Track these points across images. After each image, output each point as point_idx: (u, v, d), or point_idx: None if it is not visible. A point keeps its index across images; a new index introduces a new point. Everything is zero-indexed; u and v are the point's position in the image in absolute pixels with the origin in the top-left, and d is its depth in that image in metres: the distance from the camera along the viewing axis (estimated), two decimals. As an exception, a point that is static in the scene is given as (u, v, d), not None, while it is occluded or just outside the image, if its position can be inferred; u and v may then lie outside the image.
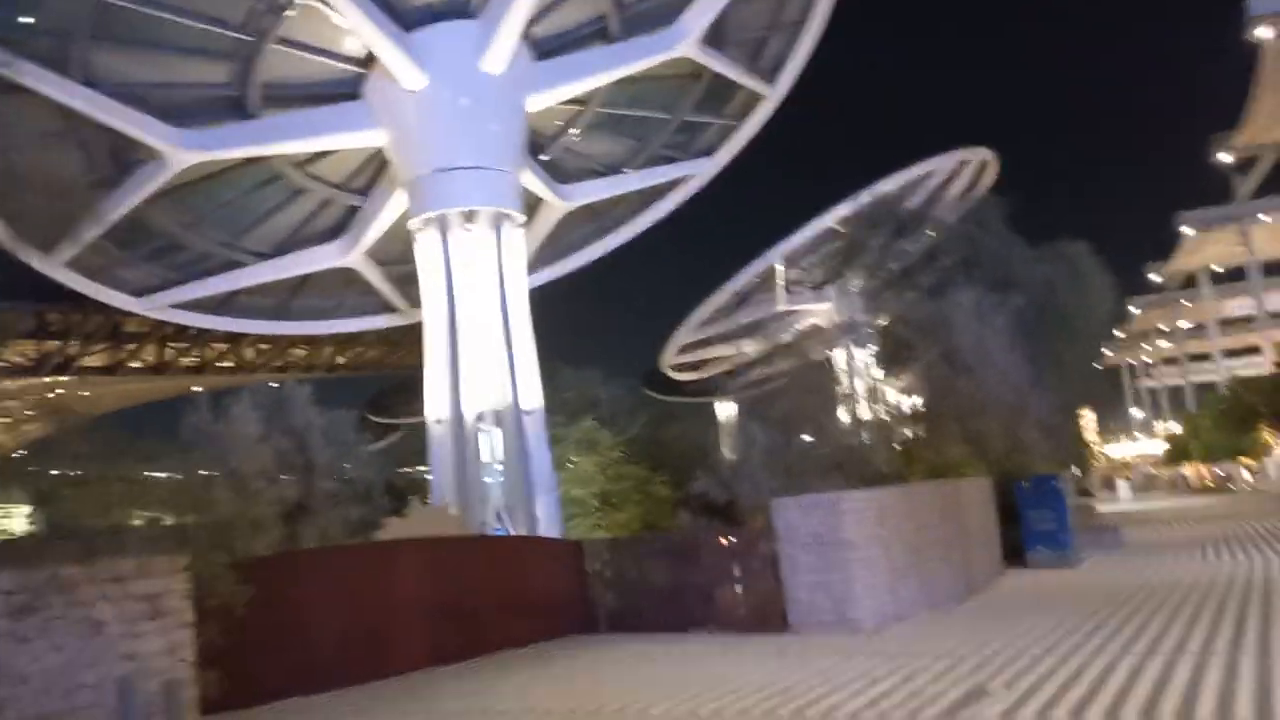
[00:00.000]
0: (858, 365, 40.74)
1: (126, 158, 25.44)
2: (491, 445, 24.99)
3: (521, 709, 10.86)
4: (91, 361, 49.76)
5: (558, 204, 31.15)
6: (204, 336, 50.72)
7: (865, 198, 38.68)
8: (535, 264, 32.49)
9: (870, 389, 37.49)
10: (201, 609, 10.45)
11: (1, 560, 6.75)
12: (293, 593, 12.92)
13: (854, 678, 10.84)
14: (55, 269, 26.78)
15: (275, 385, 33.56)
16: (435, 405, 25.18)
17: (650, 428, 34.41)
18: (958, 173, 48.25)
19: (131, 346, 49.23)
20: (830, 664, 11.79)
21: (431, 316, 25.56)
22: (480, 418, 24.78)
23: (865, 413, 33.29)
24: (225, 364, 51.38)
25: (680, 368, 58.37)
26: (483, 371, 24.81)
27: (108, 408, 62.69)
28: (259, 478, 25.49)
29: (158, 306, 29.65)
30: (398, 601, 13.85)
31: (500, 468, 24.90)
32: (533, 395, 25.48)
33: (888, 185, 39.94)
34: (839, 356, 44.97)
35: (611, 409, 33.40)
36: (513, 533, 23.84)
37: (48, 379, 52.21)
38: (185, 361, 51.26)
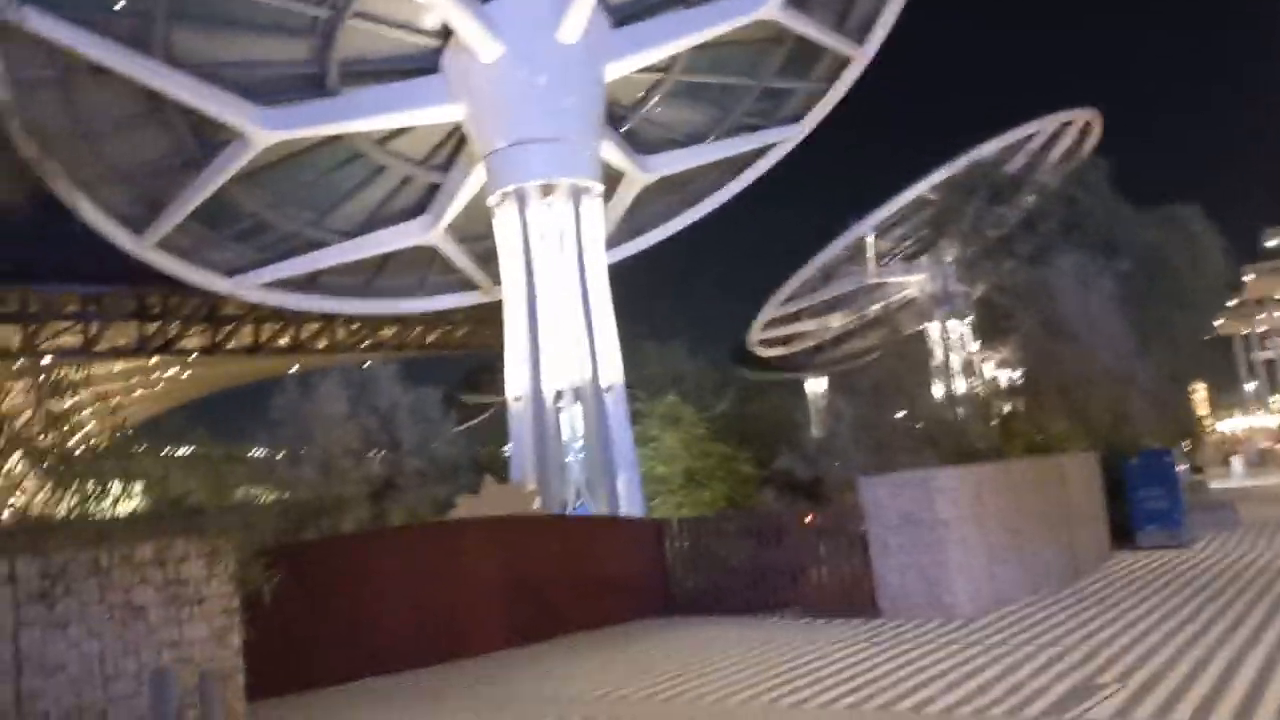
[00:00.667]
0: (952, 337, 39.41)
1: (210, 139, 25.64)
2: (572, 422, 24.61)
3: (597, 694, 10.38)
4: (190, 343, 51.07)
5: (638, 176, 30.51)
6: (297, 317, 51.59)
7: (962, 162, 37.21)
8: (616, 238, 31.95)
9: (965, 361, 36.13)
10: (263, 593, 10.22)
11: (34, 544, 6.52)
12: (366, 572, 12.67)
13: (949, 668, 10.08)
14: (146, 251, 27.22)
15: (364, 365, 33.94)
16: (515, 382, 24.89)
17: (736, 404, 33.66)
18: (1059, 135, 46.06)
19: (228, 328, 50.41)
20: (923, 652, 11.04)
21: (510, 292, 25.25)
22: (560, 394, 24.41)
23: (960, 386, 32.10)
24: (318, 344, 52.21)
25: (767, 343, 57.28)
26: (562, 348, 24.41)
27: (210, 388, 64.56)
28: (346, 456, 25.68)
29: (246, 287, 29.94)
30: (471, 582, 13.51)
31: (580, 445, 24.50)
32: (613, 371, 25.00)
33: (985, 149, 38.28)
34: (932, 329, 43.65)
35: (696, 385, 32.77)
36: (593, 511, 23.45)
37: (151, 360, 53.86)
38: (280, 342, 52.25)
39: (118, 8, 22.79)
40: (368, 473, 25.33)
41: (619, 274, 28.18)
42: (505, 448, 30.91)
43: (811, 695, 9.42)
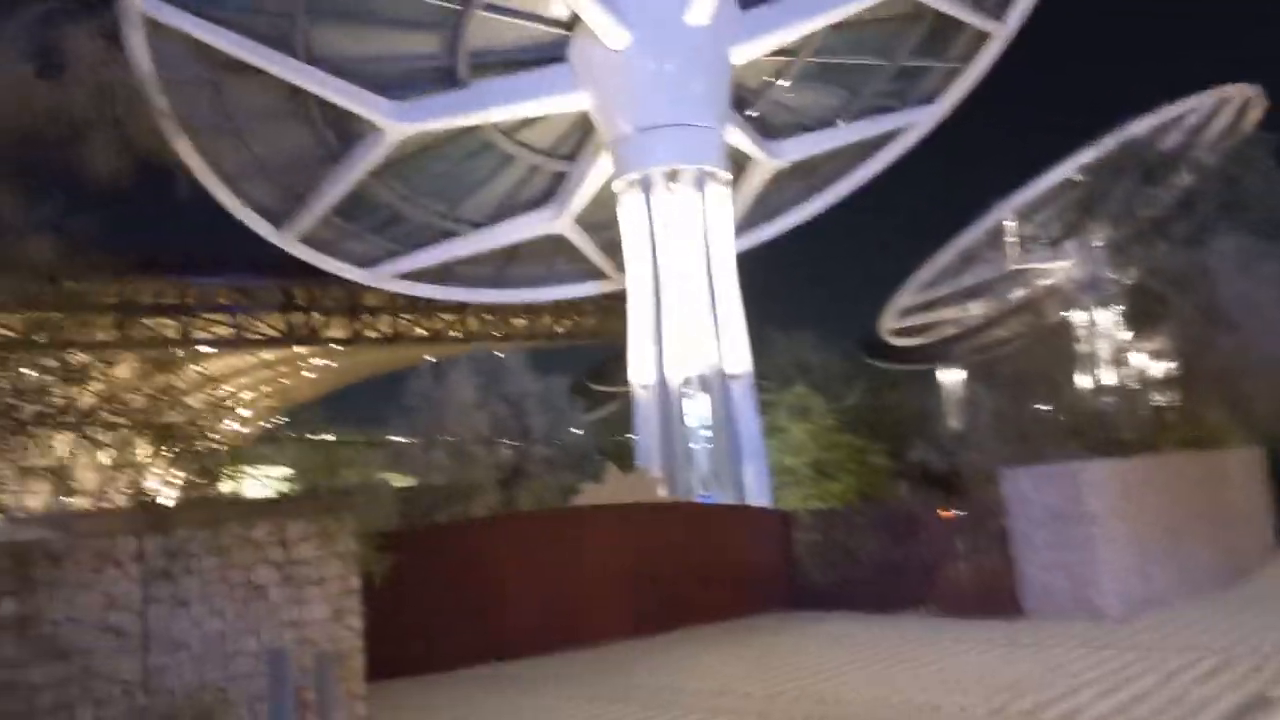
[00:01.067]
0: (1100, 326, 37.37)
1: (348, 132, 26.35)
2: (698, 411, 24.31)
3: (716, 689, 10.08)
4: (333, 333, 53.00)
5: (766, 161, 29.94)
6: (433, 307, 52.96)
7: (1111, 142, 35.22)
8: (744, 225, 31.46)
9: (1114, 351, 34.22)
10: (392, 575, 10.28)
11: (160, 523, 6.63)
12: (490, 558, 12.68)
13: (1100, 675, 9.36)
14: (288, 243, 28.17)
15: (498, 354, 34.41)
16: (640, 371, 24.74)
17: (868, 395, 32.76)
18: (1217, 112, 43.21)
19: (368, 318, 52.08)
20: (1070, 657, 10.31)
21: (635, 280, 25.11)
22: (686, 383, 24.13)
23: (1108, 377, 30.39)
24: (453, 334, 53.40)
25: (901, 332, 55.72)
26: (688, 336, 24.12)
27: (353, 377, 66.79)
28: (477, 442, 26.06)
29: (382, 277, 30.72)
30: (594, 570, 13.39)
31: (707, 434, 24.18)
32: (740, 360, 24.59)
33: (1136, 128, 36.12)
34: (1078, 317, 41.51)
35: (825, 375, 32.03)
36: (719, 500, 23.11)
37: (297, 350, 56.12)
38: (417, 332, 53.75)
39: (260, 7, 23.65)
40: (497, 459, 25.63)
41: (746, 262, 27.69)
42: (633, 436, 30.91)
43: (947, 699, 8.88)
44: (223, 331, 50.03)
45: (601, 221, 30.12)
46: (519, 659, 12.38)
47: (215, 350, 52.20)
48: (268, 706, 5.85)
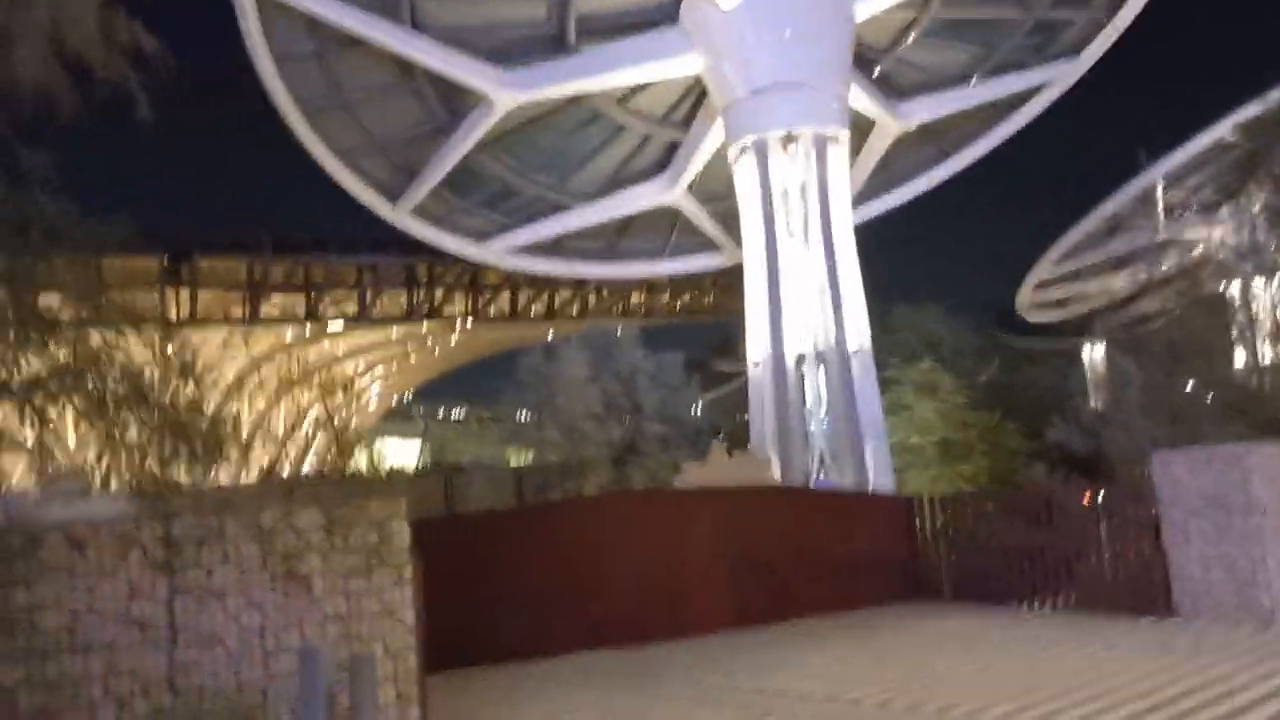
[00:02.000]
0: (1261, 297, 34.37)
1: (458, 105, 26.03)
2: (816, 388, 23.13)
3: (826, 692, 9.08)
4: (453, 310, 53.56)
5: (891, 124, 28.34)
6: (551, 284, 52.95)
7: (1274, 97, 32.20)
8: (867, 193, 29.99)
9: (1276, 324, 31.41)
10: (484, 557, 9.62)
11: (195, 505, 6.07)
12: (584, 540, 11.97)
13: (1273, 689, 7.99)
14: (402, 218, 28.15)
15: (609, 330, 33.89)
16: (755, 346, 23.71)
17: (1002, 371, 30.96)
18: (1400, 60, 39.08)
19: (487, 295, 52.39)
20: (1234, 666, 8.92)
21: (750, 250, 24.04)
22: (802, 359, 22.97)
23: (1269, 352, 27.84)
24: (571, 311, 53.25)
25: (1039, 306, 52.80)
26: (804, 309, 22.94)
27: (474, 355, 67.62)
28: (588, 419, 25.55)
29: (494, 252, 30.46)
30: (697, 555, 12.52)
31: (824, 412, 23.00)
32: (860, 334, 23.28)
33: (1301, 84, 32.95)
34: (1236, 287, 38.35)
35: (955, 349, 30.44)
36: (837, 483, 21.94)
37: (421, 328, 56.99)
38: (535, 309, 53.83)
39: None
40: (608, 437, 25.11)
41: (869, 231, 26.34)
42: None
43: (1094, 711, 7.69)
44: (349, 309, 51.13)
45: (717, 191, 29.13)
46: (618, 647, 11.63)
47: (341, 328, 53.48)
48: (299, 708, 5.22)
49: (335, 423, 69.07)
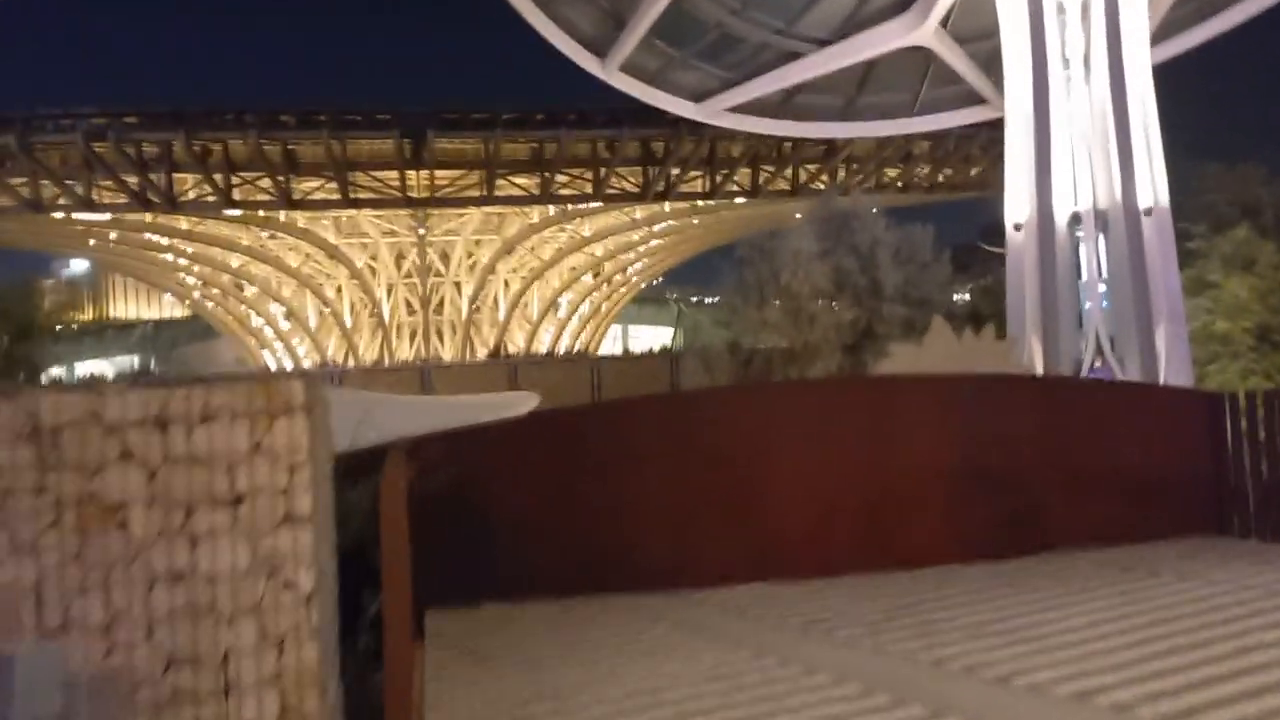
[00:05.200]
0: None
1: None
2: (1093, 256, 18.76)
3: (1074, 686, 5.91)
4: (689, 188, 50.97)
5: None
6: (796, 156, 49.12)
7: None
8: (1169, 25, 24.29)
9: None
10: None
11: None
12: (759, 441, 9.16)
13: None
14: (611, 75, 25.55)
15: (845, 200, 30.12)
16: (1015, 204, 19.52)
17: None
18: None
19: (726, 171, 49.34)
20: None
21: (1013, 85, 19.61)
22: (1076, 219, 18.59)
23: None
24: (816, 186, 49.33)
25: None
26: (1081, 158, 18.45)
27: (715, 240, 65.28)
28: (815, 299, 22.53)
29: (714, 111, 27.29)
30: (907, 464, 9.39)
31: (1103, 287, 18.62)
32: (1155, 190, 18.53)
33: None
34: None
35: (1279, 216, 24.68)
36: (1119, 376, 17.75)
37: (662, 209, 54.98)
38: (778, 185, 50.23)
39: None
40: (839, 319, 22.16)
41: (1169, 72, 21.08)
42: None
43: None
44: (584, 187, 49.76)
45: (977, 28, 24.37)
46: (798, 579, 8.87)
47: (572, 205, 52.30)
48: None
49: (584, 306, 69.32)
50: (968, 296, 43.21)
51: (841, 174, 49.98)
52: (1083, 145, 18.58)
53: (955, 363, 11.82)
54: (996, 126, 27.29)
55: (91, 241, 51.44)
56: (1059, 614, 7.45)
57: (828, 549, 9.01)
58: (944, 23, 24.58)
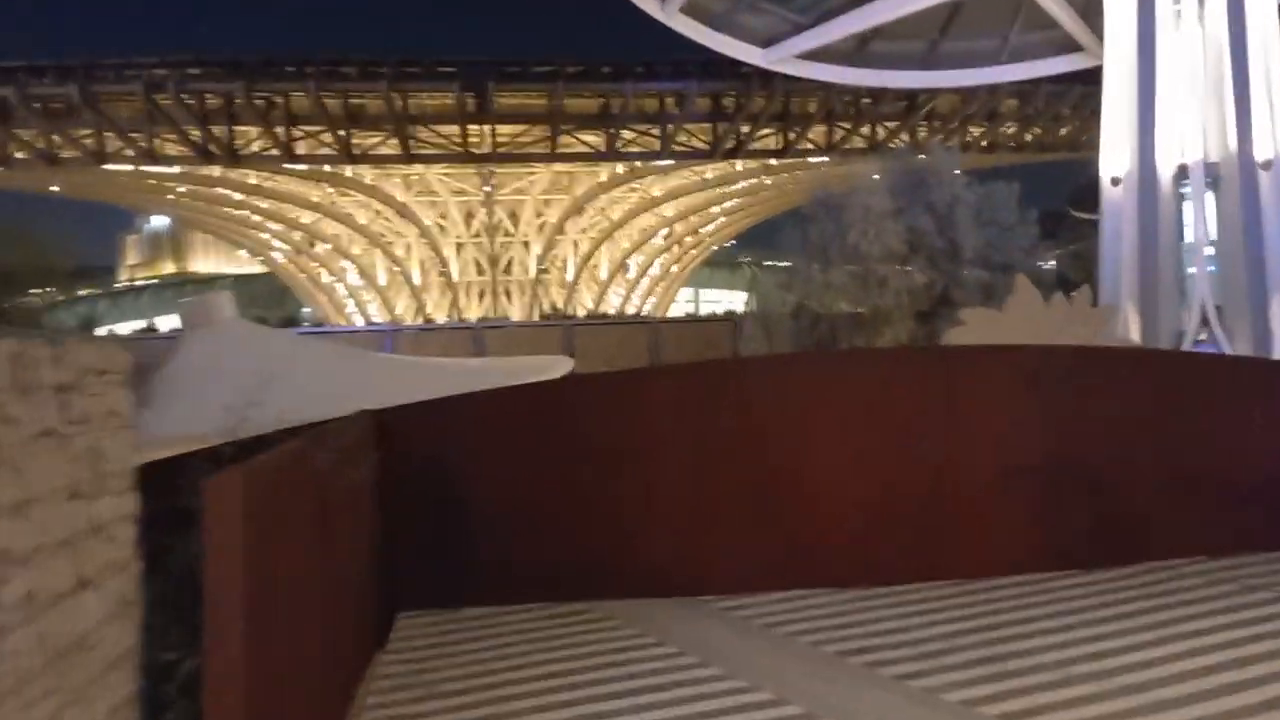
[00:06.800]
0: None
1: None
2: (1201, 216, 16.77)
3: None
4: (761, 145, 49.09)
5: None
6: (874, 112, 46.93)
7: None
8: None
9: None
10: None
11: None
12: (791, 427, 7.70)
13: None
14: (672, 17, 23.98)
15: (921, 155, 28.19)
16: (1114, 157, 17.55)
17: None
18: None
19: (799, 128, 47.38)
20: None
21: (1115, 24, 17.58)
22: (1183, 173, 16.57)
23: None
24: (895, 144, 47.10)
25: None
26: (1190, 104, 16.40)
27: (789, 202, 63.31)
28: (885, 260, 20.93)
29: (782, 58, 25.51)
30: (971, 456, 7.83)
31: (1211, 250, 16.65)
32: (1275, 140, 16.43)
33: None
34: None
35: None
36: (1226, 351, 15.84)
37: (736, 165, 53.11)
38: (854, 143, 48.09)
39: None
40: (911, 283, 20.62)
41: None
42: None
43: None
44: (652, 145, 48.17)
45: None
46: (838, 587, 7.45)
47: (640, 162, 50.73)
48: None
49: (654, 268, 67.95)
50: (1054, 264, 40.95)
51: (923, 132, 47.66)
52: (1193, 89, 16.49)
53: (1040, 332, 10.15)
54: (1089, 82, 25.01)
55: (169, 196, 51.65)
56: (1165, 650, 5.91)
57: (876, 553, 7.54)
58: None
